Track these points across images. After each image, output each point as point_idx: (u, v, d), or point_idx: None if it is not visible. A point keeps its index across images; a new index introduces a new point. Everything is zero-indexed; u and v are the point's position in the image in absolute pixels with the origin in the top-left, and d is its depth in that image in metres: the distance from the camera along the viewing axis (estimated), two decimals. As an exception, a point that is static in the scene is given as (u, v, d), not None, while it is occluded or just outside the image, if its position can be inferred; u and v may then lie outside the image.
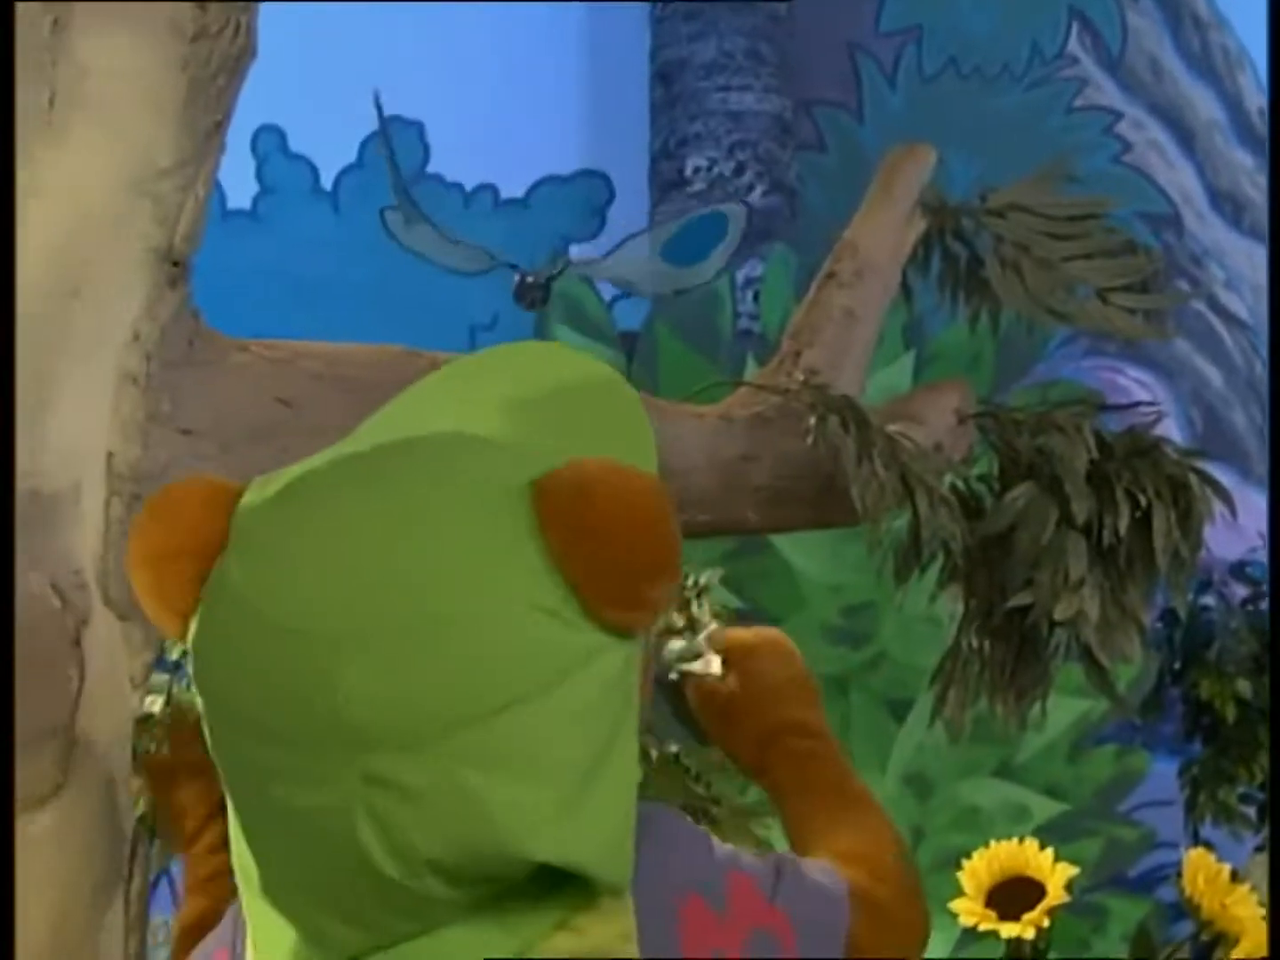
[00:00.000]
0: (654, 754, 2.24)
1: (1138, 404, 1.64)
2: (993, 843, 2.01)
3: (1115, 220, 1.77)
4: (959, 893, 2.04)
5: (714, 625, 1.21)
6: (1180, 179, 3.43)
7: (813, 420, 1.49)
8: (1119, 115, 3.48)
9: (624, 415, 0.95)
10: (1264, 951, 1.83)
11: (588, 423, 0.93)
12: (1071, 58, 3.50)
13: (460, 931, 0.85)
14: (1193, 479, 1.58)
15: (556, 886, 0.85)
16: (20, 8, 1.19)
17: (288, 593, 0.84)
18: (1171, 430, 3.17)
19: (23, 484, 1.19)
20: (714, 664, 1.06)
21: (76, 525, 1.22)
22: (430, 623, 0.82)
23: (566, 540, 0.83)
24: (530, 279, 1.41)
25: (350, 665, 0.82)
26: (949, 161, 3.14)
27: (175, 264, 1.28)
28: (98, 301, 1.23)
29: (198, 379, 1.30)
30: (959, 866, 2.06)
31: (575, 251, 3.23)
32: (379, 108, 1.95)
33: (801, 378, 1.57)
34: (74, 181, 1.21)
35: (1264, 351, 3.56)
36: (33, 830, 1.11)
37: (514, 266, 1.65)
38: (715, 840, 0.98)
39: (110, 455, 1.23)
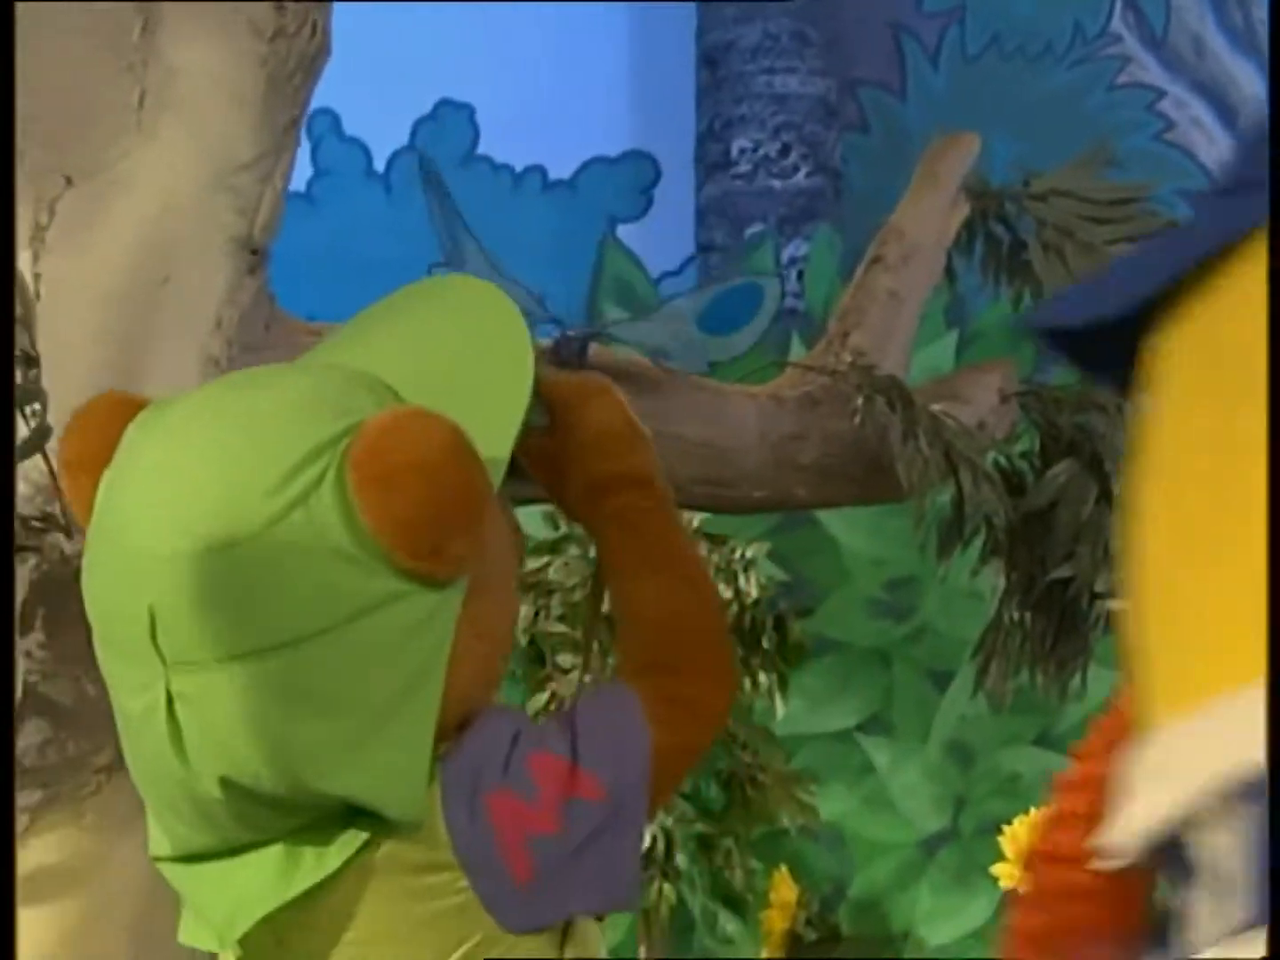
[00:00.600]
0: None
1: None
2: (1033, 810, 2.07)
3: (1156, 200, 1.81)
4: (1000, 857, 2.10)
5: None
6: (1222, 156, 3.45)
7: (860, 400, 1.55)
8: (1161, 93, 3.49)
9: (501, 357, 0.97)
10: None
11: (464, 364, 0.96)
12: (1114, 36, 3.52)
13: (282, 848, 0.92)
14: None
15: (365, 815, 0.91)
16: (111, 12, 1.25)
17: (120, 510, 0.90)
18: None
19: (113, 462, 1.26)
20: (539, 415, 1.01)
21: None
22: (229, 554, 0.87)
23: (361, 488, 0.87)
24: (571, 334, 1.47)
25: (158, 584, 0.88)
26: (990, 140, 3.17)
27: (254, 252, 1.34)
28: (184, 289, 1.30)
29: (273, 360, 1.36)
30: (1000, 832, 2.12)
31: (621, 231, 3.29)
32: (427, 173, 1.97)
33: (849, 359, 1.63)
34: (162, 176, 1.27)
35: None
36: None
37: (557, 321, 1.70)
38: (522, 723, 0.97)
39: (195, 434, 1.30)
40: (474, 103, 3.27)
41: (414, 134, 3.26)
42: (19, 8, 1.24)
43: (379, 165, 3.26)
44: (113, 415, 0.93)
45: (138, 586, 0.89)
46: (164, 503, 0.90)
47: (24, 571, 1.23)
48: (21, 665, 1.21)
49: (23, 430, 1.16)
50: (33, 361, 1.17)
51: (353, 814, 0.92)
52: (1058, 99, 3.44)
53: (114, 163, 1.26)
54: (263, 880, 0.93)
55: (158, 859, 0.97)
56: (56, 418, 1.21)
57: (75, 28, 1.26)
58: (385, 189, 3.24)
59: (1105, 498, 1.58)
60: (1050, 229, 1.73)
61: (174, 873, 0.96)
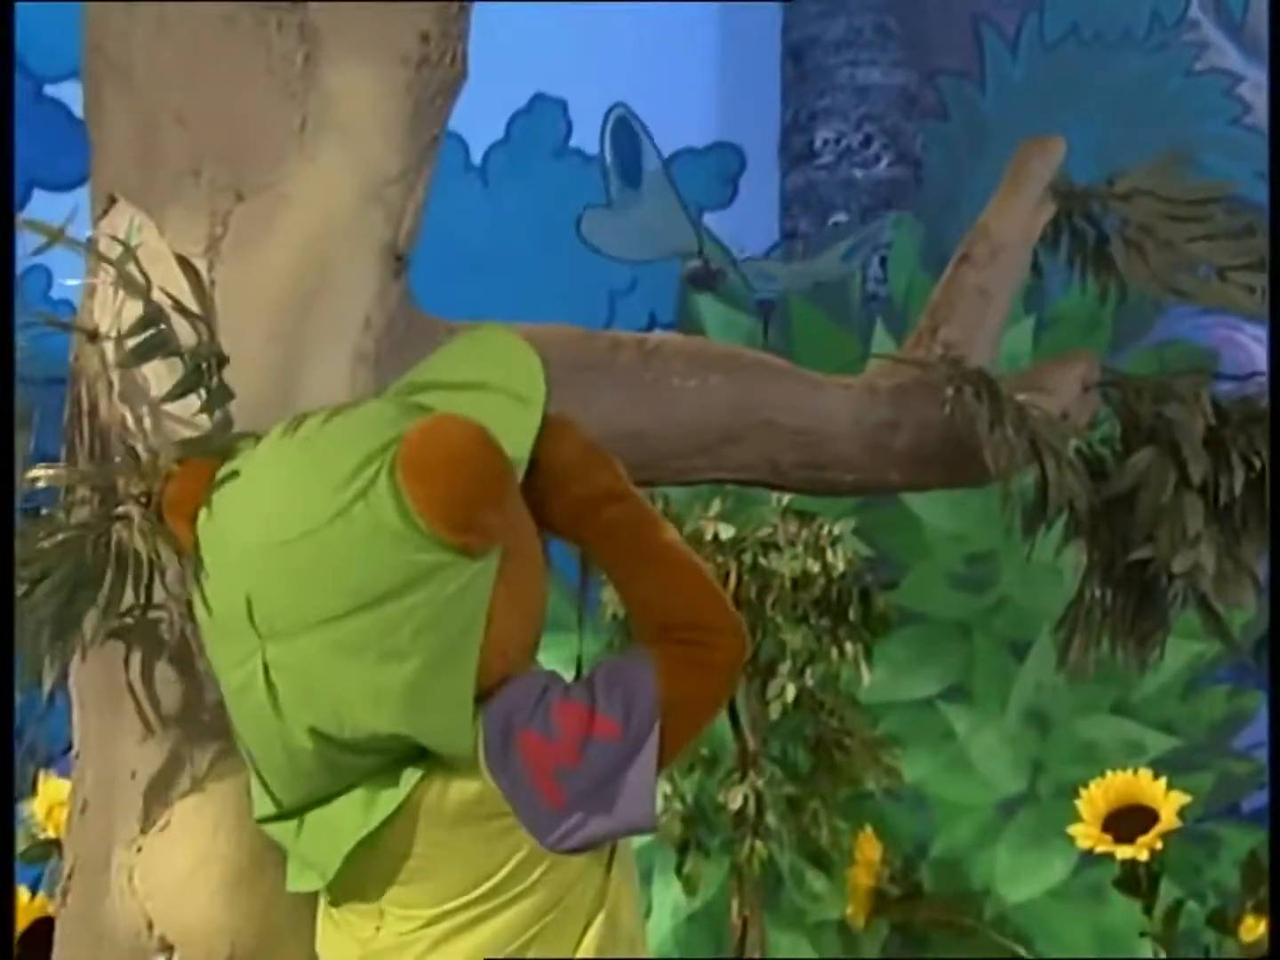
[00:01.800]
0: (791, 688, 2.42)
1: (1253, 374, 1.77)
2: (1109, 774, 2.16)
3: (1234, 186, 1.87)
4: (1076, 819, 2.19)
5: None
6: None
7: (949, 391, 1.64)
8: (1240, 78, 3.53)
9: (519, 385, 1.21)
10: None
11: (492, 395, 1.21)
12: (1192, 22, 3.56)
13: (361, 791, 1.14)
14: (1303, 441, 1.71)
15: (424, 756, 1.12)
16: (277, 44, 1.38)
17: (217, 524, 1.17)
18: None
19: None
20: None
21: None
22: (307, 542, 1.12)
23: (408, 478, 1.11)
24: (711, 265, 1.59)
25: (252, 572, 1.13)
26: (1068, 127, 3.26)
27: (398, 258, 1.47)
28: (338, 293, 1.42)
29: (416, 357, 1.48)
30: (1076, 795, 2.20)
31: (707, 219, 3.38)
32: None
33: (939, 352, 1.72)
34: (321, 192, 1.40)
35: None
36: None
37: (700, 254, 1.83)
38: (552, 681, 1.15)
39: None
40: (567, 97, 3.37)
41: (509, 128, 3.38)
42: (195, 37, 1.37)
43: (476, 159, 3.38)
44: (200, 469, 1.21)
45: (236, 579, 1.14)
46: (251, 510, 1.16)
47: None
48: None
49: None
50: (224, 361, 1.31)
51: (414, 757, 1.12)
52: (1136, 85, 3.49)
53: (279, 181, 1.38)
54: (349, 819, 1.13)
55: (262, 820, 1.20)
56: (234, 414, 1.35)
57: (245, 58, 1.39)
58: (483, 182, 3.36)
59: (1183, 483, 1.67)
60: (1133, 227, 1.80)
61: (276, 829, 1.18)
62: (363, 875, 1.15)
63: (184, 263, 1.36)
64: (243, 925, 1.31)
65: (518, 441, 1.16)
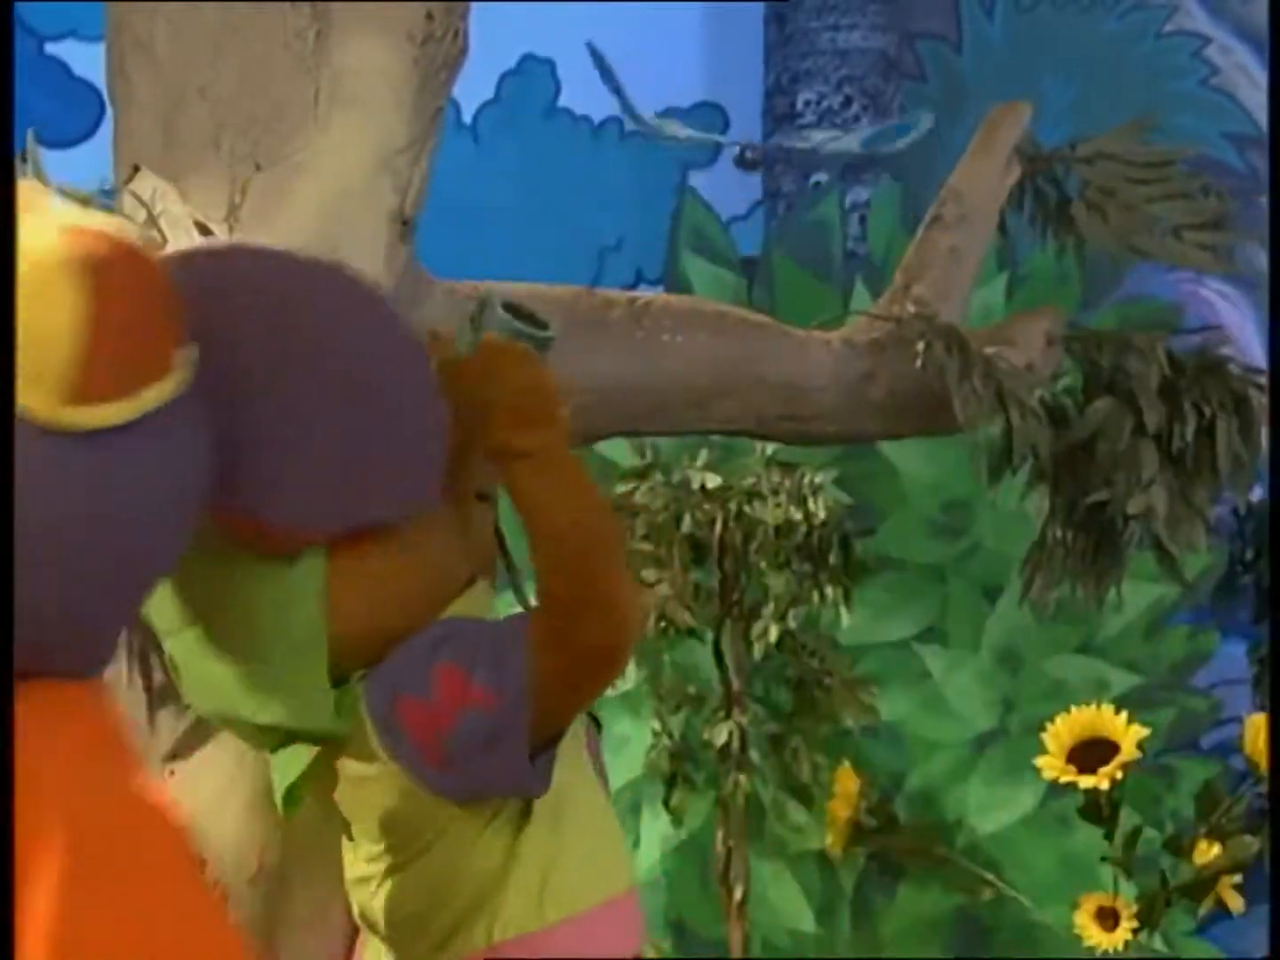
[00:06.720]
0: (774, 630, 2.52)
1: (1205, 327, 1.87)
2: (1073, 709, 2.27)
3: (1192, 151, 1.96)
4: (1043, 752, 2.29)
5: None
6: (1263, 100, 3.57)
7: (921, 345, 1.73)
8: (1207, 40, 3.61)
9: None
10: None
11: None
12: (1163, -16, 3.64)
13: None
14: (1253, 393, 1.82)
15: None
16: (289, 21, 1.46)
17: None
18: (1251, 339, 3.33)
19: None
20: None
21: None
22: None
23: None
24: (749, 152, 1.72)
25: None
26: (1043, 88, 3.34)
27: (405, 223, 1.55)
28: (350, 256, 1.47)
29: (418, 317, 1.56)
30: (1044, 730, 2.30)
31: (692, 178, 3.47)
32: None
33: (912, 309, 1.82)
34: (334, 161, 1.48)
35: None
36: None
37: (735, 144, 1.96)
38: (443, 639, 1.14)
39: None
40: (555, 58, 3.44)
41: (499, 87, 3.44)
42: (215, 15, 1.46)
43: (467, 118, 3.44)
44: None
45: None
46: None
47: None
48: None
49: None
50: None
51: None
52: (1108, 47, 3.56)
53: (295, 151, 1.45)
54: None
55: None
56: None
57: (262, 35, 1.47)
58: (474, 140, 3.42)
59: (1139, 431, 1.77)
60: (1094, 189, 1.89)
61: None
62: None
63: (203, 228, 1.44)
64: (269, 841, 1.39)
65: None
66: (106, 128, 1.54)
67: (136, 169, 1.50)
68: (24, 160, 1.49)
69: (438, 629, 1.18)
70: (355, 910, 1.28)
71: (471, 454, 1.18)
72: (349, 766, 1.19)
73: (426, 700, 1.14)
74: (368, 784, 1.19)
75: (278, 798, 1.21)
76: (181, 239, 1.44)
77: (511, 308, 1.26)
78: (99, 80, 1.54)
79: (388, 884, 1.20)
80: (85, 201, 1.43)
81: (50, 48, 3.31)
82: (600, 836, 1.23)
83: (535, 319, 1.25)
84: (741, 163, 1.55)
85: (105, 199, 1.47)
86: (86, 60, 3.18)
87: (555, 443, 1.16)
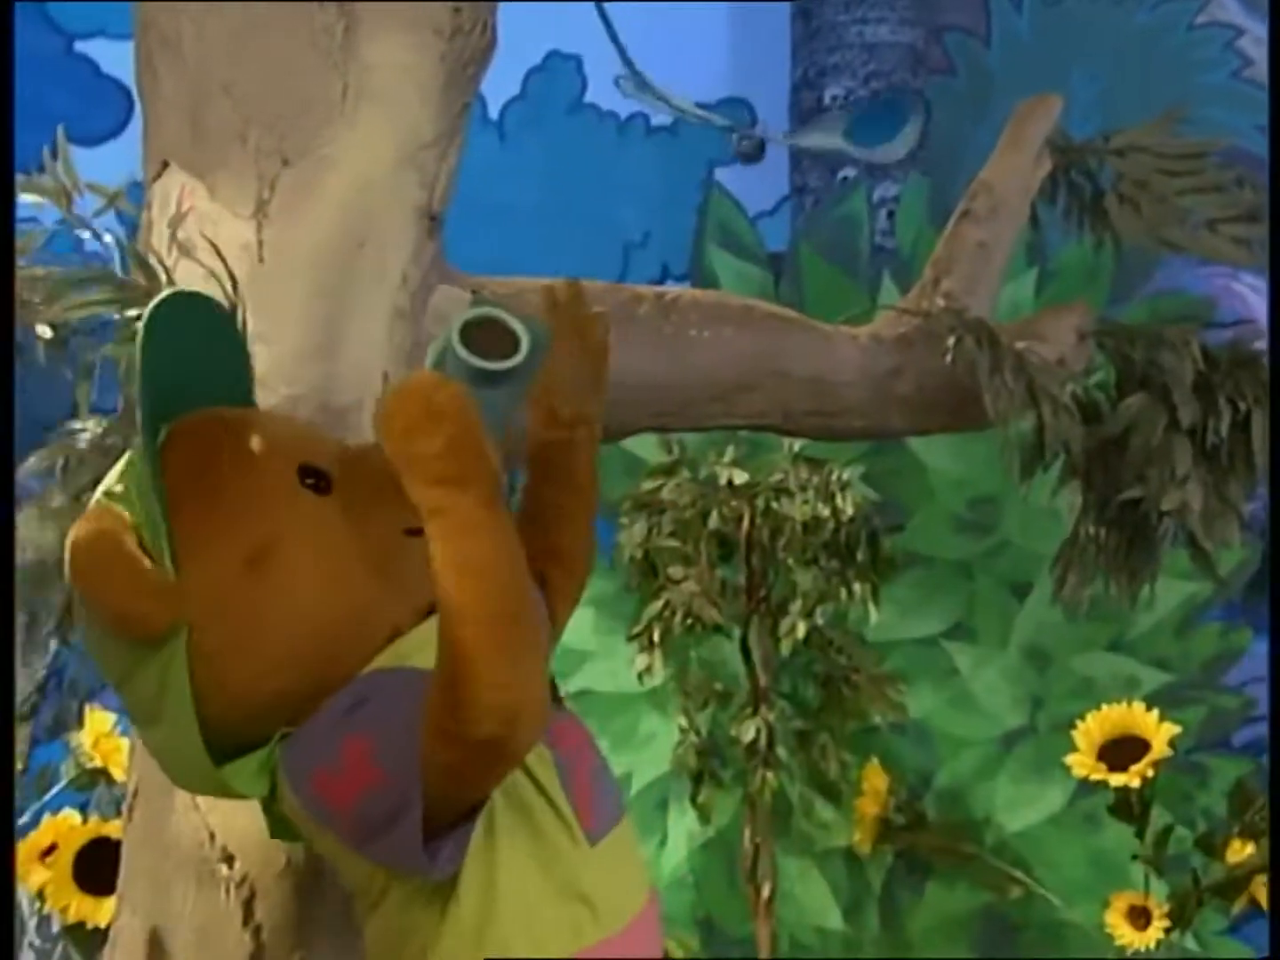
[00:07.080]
0: (802, 626, 2.51)
1: (1238, 321, 1.85)
2: (1104, 707, 2.25)
3: (1224, 142, 1.94)
4: (1074, 751, 2.28)
5: None
6: (1296, 93, 3.53)
7: (951, 340, 1.72)
8: (1240, 31, 3.58)
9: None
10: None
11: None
12: (1194, -25, 3.60)
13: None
14: (1288, 386, 1.79)
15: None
16: (316, 18, 1.46)
17: None
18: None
19: (317, 399, 1.48)
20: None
21: (359, 433, 1.50)
22: None
23: (74, 583, 1.22)
24: (745, 140, 1.71)
25: None
26: (1072, 81, 3.30)
27: (432, 219, 1.55)
28: (377, 251, 1.49)
29: (445, 314, 1.56)
30: (1073, 728, 2.29)
31: (719, 174, 3.46)
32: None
33: (941, 303, 1.80)
34: (361, 156, 1.47)
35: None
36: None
37: (731, 129, 1.95)
38: (355, 706, 1.13)
39: (385, 376, 1.48)
40: (582, 54, 3.43)
41: (525, 84, 3.44)
42: (242, 12, 1.45)
43: (493, 114, 3.44)
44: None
45: None
46: None
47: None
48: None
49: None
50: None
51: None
52: (1139, 39, 3.53)
53: (322, 146, 1.44)
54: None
55: None
56: (272, 365, 1.43)
57: (289, 31, 1.47)
58: (499, 136, 3.42)
59: (1173, 426, 1.75)
60: (1127, 181, 1.88)
61: None
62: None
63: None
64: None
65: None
66: (135, 125, 1.54)
67: (165, 165, 1.50)
68: (54, 157, 1.49)
69: (359, 687, 1.15)
70: None
71: (398, 494, 1.12)
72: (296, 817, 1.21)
73: (336, 772, 1.13)
74: (314, 837, 1.20)
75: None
76: (210, 235, 1.44)
77: (472, 339, 1.19)
78: (127, 78, 1.55)
79: (368, 922, 1.21)
80: (113, 199, 1.43)
81: (79, 46, 3.33)
82: (556, 905, 1.16)
83: (513, 334, 1.19)
84: (744, 156, 1.55)
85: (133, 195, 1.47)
86: (115, 58, 3.19)
87: (468, 506, 1.06)
